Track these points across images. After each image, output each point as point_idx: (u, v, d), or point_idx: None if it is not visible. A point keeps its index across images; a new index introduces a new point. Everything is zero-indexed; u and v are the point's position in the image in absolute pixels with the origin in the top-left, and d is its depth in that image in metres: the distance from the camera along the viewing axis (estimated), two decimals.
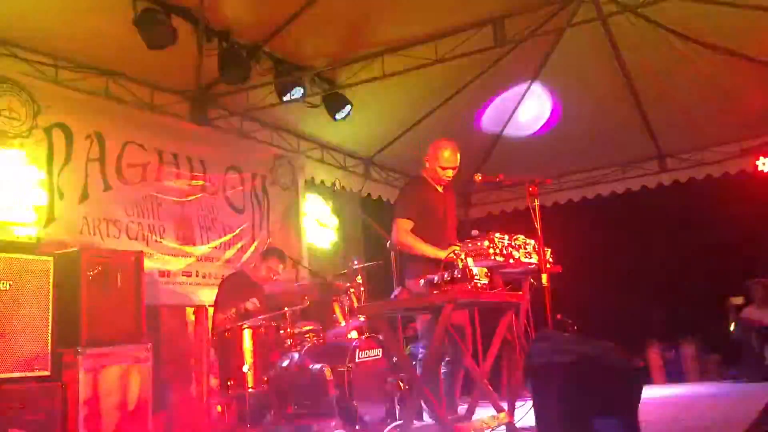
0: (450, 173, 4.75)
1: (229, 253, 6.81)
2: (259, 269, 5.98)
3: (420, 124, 7.82)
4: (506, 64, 7.00)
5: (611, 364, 3.33)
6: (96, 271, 4.79)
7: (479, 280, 3.75)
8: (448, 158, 4.70)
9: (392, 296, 4.22)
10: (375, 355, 5.17)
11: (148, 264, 5.55)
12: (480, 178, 4.71)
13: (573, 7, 6.03)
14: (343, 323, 5.47)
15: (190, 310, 6.38)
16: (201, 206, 6.64)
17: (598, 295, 8.52)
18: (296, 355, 5.14)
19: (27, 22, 5.01)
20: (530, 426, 4.31)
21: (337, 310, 5.51)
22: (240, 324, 5.22)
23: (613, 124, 8.20)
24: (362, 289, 5.58)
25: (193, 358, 6.24)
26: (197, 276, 6.45)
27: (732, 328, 8.01)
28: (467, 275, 3.72)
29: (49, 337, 4.45)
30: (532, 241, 4.33)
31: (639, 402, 3.29)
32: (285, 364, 5.11)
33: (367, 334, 5.32)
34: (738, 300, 8.01)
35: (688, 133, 8.45)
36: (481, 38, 5.92)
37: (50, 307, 4.48)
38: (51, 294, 4.49)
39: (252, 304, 5.48)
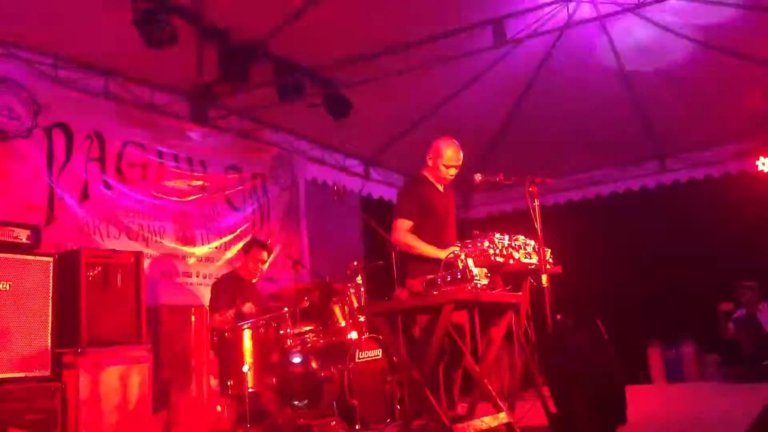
0: (453, 172, 4.72)
1: (230, 254, 6.81)
2: (246, 265, 5.99)
3: (420, 124, 7.81)
4: (506, 64, 7.00)
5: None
6: (96, 271, 4.79)
7: (479, 280, 3.75)
8: (451, 157, 4.68)
9: (392, 296, 4.21)
10: (375, 355, 5.18)
11: (147, 264, 5.55)
12: (480, 178, 4.68)
13: (573, 7, 6.02)
14: (343, 323, 5.47)
15: (190, 311, 6.37)
16: (201, 206, 6.64)
17: (598, 295, 8.51)
18: (296, 356, 5.15)
19: (27, 22, 5.01)
20: (530, 426, 4.32)
21: (337, 311, 5.52)
22: (239, 324, 5.23)
23: (613, 124, 8.19)
24: (362, 289, 5.58)
25: (193, 358, 6.23)
26: (197, 276, 6.46)
27: (727, 326, 7.99)
28: (467, 275, 3.72)
29: (49, 337, 4.46)
30: (532, 242, 4.32)
31: None
32: (285, 364, 5.11)
33: (367, 334, 5.33)
34: (727, 306, 7.99)
35: (688, 133, 8.44)
36: (481, 38, 5.92)
37: (50, 307, 4.48)
38: (51, 294, 4.49)
39: (248, 307, 5.48)
